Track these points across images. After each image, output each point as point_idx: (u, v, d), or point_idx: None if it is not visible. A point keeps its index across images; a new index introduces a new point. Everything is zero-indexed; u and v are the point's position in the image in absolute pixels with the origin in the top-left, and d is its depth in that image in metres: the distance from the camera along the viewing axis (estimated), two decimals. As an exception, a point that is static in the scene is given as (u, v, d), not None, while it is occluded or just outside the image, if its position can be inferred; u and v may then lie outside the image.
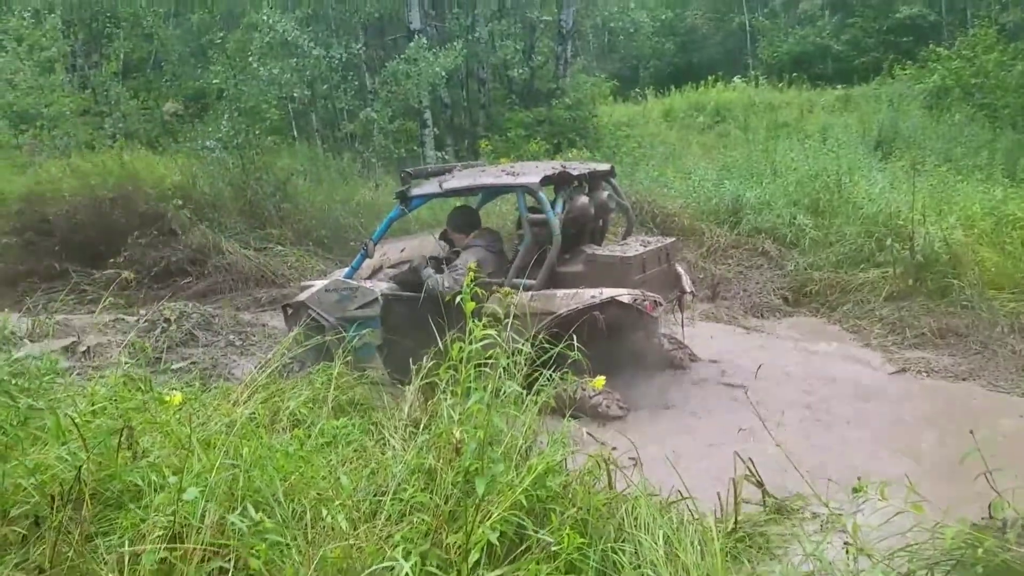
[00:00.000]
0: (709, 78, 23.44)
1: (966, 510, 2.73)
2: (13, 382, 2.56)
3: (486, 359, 3.23)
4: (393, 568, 2.34)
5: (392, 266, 6.81)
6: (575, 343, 3.56)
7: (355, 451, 3.59)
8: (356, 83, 13.14)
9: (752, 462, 3.71)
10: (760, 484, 3.74)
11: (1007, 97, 15.74)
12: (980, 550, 2.36)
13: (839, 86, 22.35)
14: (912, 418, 5.22)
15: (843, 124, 15.83)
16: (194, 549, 2.26)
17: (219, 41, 13.72)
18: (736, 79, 24.00)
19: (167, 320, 6.94)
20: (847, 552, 2.46)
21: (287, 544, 2.37)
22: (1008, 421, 5.11)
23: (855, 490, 2.42)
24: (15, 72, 14.37)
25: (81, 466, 2.31)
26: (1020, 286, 7.22)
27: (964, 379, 5.96)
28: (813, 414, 5.31)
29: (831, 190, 9.65)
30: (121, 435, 2.39)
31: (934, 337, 6.74)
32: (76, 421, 2.52)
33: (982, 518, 2.86)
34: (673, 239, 6.58)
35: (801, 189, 9.97)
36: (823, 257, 8.49)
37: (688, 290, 6.34)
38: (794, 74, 23.78)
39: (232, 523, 2.28)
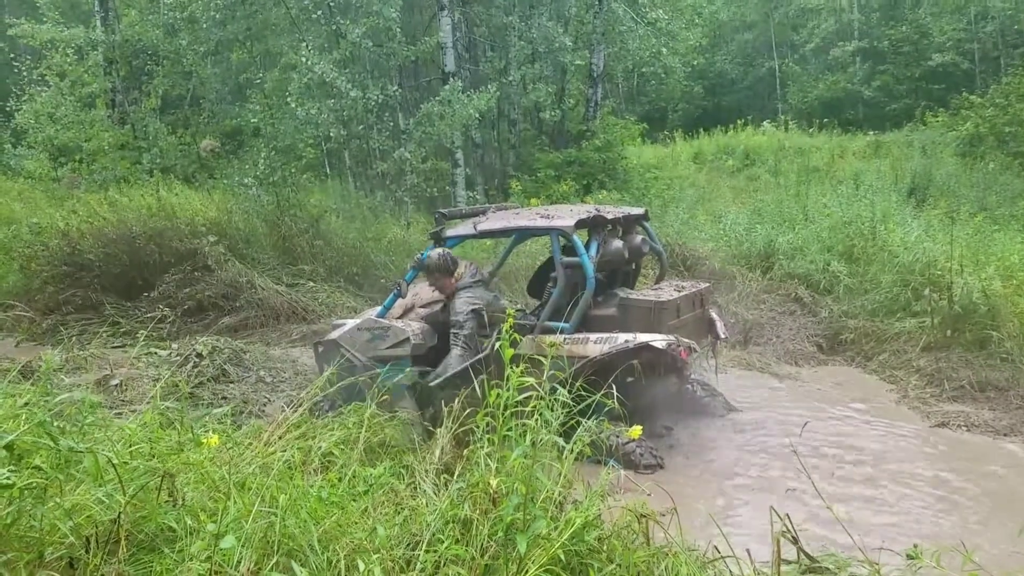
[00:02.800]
0: (738, 122, 23.52)
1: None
2: (55, 424, 2.56)
3: (523, 406, 3.19)
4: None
5: (424, 305, 6.80)
6: (612, 390, 3.53)
7: (385, 495, 3.54)
8: (391, 123, 13.31)
9: (789, 518, 3.61)
10: (795, 541, 3.63)
11: (1042, 147, 15.62)
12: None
13: (870, 132, 22.32)
14: (958, 478, 5.07)
15: (875, 170, 15.74)
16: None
17: (258, 81, 14.00)
18: (766, 123, 24.05)
19: (199, 355, 6.94)
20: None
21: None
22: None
23: (910, 556, 2.33)
24: (56, 107, 14.76)
25: (120, 511, 2.29)
26: (1062, 340, 7.05)
27: (1005, 434, 5.81)
28: (855, 471, 5.17)
29: (865, 237, 9.54)
30: (162, 481, 2.37)
31: (973, 390, 6.61)
32: (114, 463, 2.51)
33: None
34: (707, 284, 6.52)
35: (834, 235, 9.88)
36: (858, 305, 8.38)
37: (723, 336, 6.27)
38: (824, 119, 23.79)
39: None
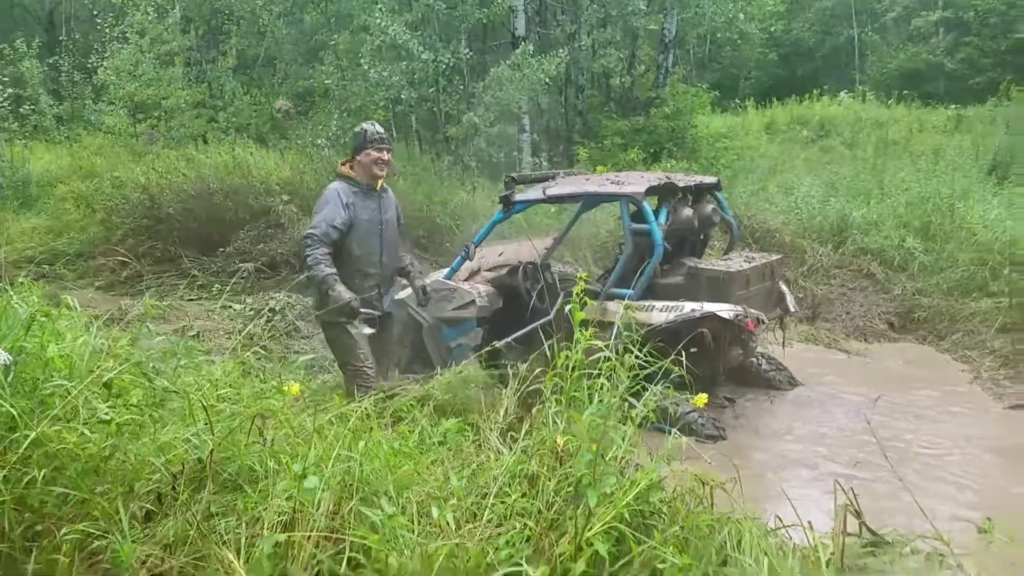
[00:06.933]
0: (814, 91, 22.79)
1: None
2: (152, 365, 2.71)
3: (591, 369, 3.23)
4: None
5: (490, 269, 6.88)
6: (682, 357, 3.53)
7: (450, 450, 3.63)
8: (460, 87, 13.31)
9: (853, 492, 3.59)
10: (859, 515, 3.60)
11: None
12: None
13: (952, 106, 21.39)
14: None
15: (956, 145, 15.14)
16: (310, 536, 2.34)
17: (331, 43, 14.10)
18: (842, 94, 23.26)
19: (272, 310, 7.18)
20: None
21: (400, 537, 2.42)
22: None
23: (982, 529, 2.31)
24: (136, 64, 15.12)
25: (212, 449, 2.42)
26: None
27: (1083, 418, 5.63)
28: (923, 448, 5.09)
29: (943, 214, 9.27)
30: (252, 422, 2.49)
31: (1049, 372, 6.40)
32: (204, 405, 2.64)
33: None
34: (779, 256, 6.44)
35: (911, 211, 9.60)
36: (933, 283, 8.18)
37: (792, 310, 6.19)
38: (904, 91, 22.89)
39: (368, 515, 2.35)
